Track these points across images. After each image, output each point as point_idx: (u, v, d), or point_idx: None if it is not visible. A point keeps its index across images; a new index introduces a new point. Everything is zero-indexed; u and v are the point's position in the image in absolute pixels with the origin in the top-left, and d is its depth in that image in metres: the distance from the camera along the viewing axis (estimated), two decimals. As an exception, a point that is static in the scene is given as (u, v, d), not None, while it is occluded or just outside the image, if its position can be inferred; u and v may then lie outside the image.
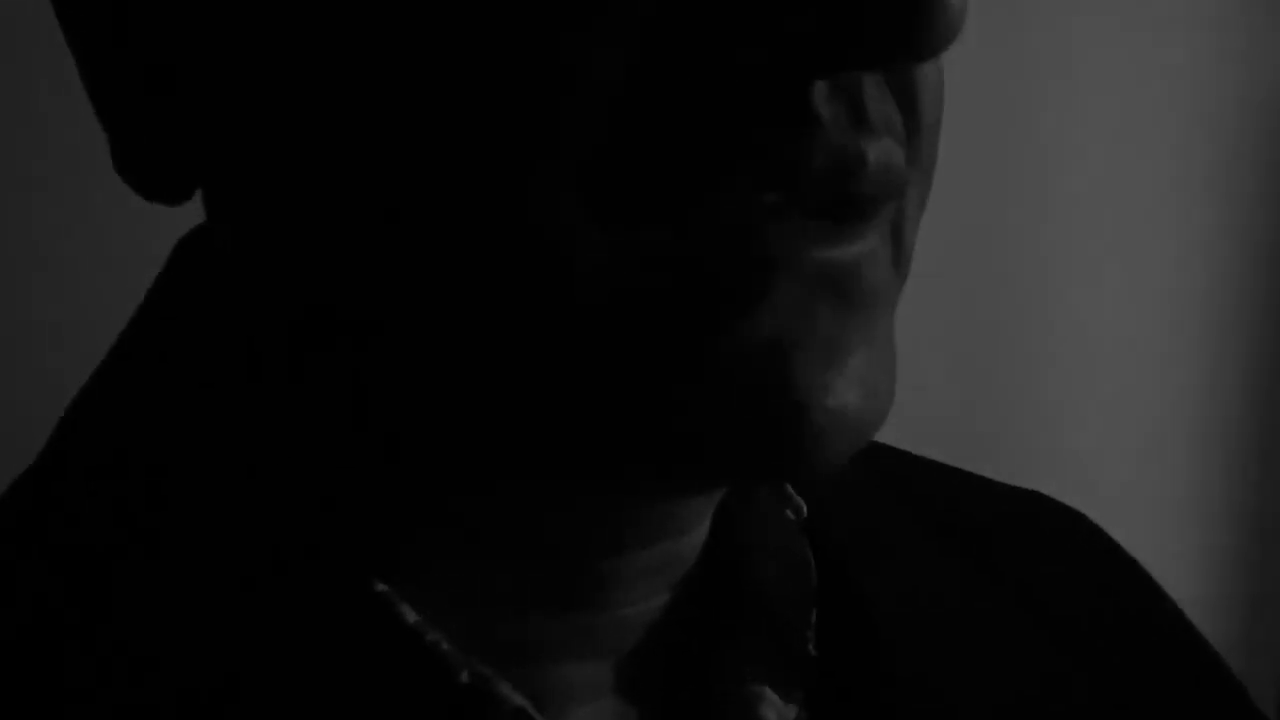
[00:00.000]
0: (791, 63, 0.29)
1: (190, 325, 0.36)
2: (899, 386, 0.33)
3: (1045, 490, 0.50)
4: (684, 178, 0.29)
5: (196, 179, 0.33)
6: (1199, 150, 1.08)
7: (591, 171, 0.29)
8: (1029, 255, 1.09)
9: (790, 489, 0.40)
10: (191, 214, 0.35)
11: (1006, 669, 0.42)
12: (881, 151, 0.31)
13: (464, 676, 0.33)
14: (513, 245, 0.29)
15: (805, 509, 0.40)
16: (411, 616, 0.33)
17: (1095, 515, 0.49)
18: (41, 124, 0.50)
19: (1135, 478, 1.14)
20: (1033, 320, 1.10)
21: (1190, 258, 1.09)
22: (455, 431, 0.32)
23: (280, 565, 0.33)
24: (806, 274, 0.30)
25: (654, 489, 0.34)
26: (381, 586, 0.33)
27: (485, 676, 0.33)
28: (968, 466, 0.49)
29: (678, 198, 0.29)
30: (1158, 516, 1.16)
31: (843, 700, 0.39)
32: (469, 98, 0.28)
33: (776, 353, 0.30)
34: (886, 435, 0.34)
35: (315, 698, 0.32)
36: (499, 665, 0.34)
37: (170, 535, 0.33)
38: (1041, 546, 0.46)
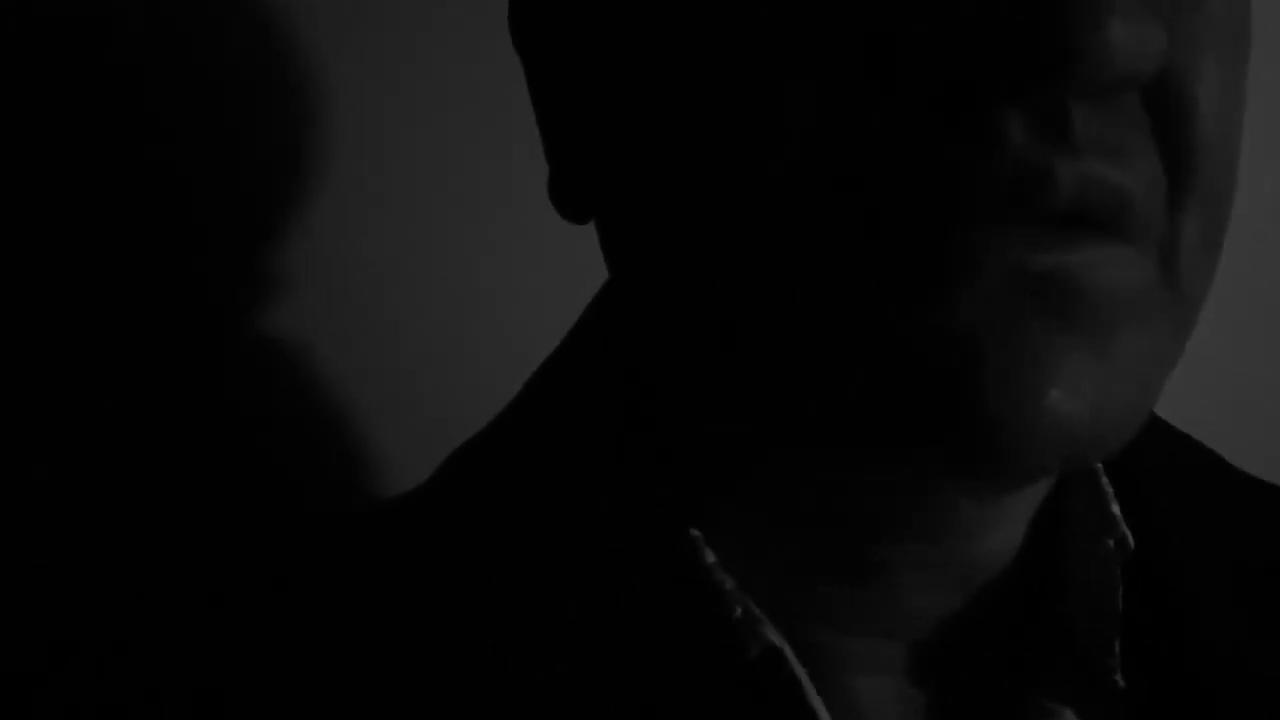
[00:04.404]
0: (979, 89, 0.31)
1: (597, 326, 0.43)
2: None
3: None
4: (885, 183, 0.31)
5: (589, 207, 0.40)
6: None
7: (801, 178, 0.32)
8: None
9: (1119, 517, 0.41)
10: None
11: None
12: (1079, 170, 0.31)
13: (737, 612, 0.37)
14: (753, 235, 0.33)
15: (1132, 541, 0.41)
16: (710, 558, 0.38)
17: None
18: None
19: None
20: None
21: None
22: (733, 398, 0.36)
23: (630, 511, 0.39)
24: (1008, 273, 0.31)
25: (901, 471, 0.35)
26: (695, 532, 0.38)
27: (754, 616, 0.37)
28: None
29: (880, 198, 0.32)
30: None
31: None
32: (722, 134, 0.33)
33: (967, 344, 0.31)
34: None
35: (618, 612, 0.37)
36: (787, 621, 0.38)
37: (563, 490, 0.40)
38: None
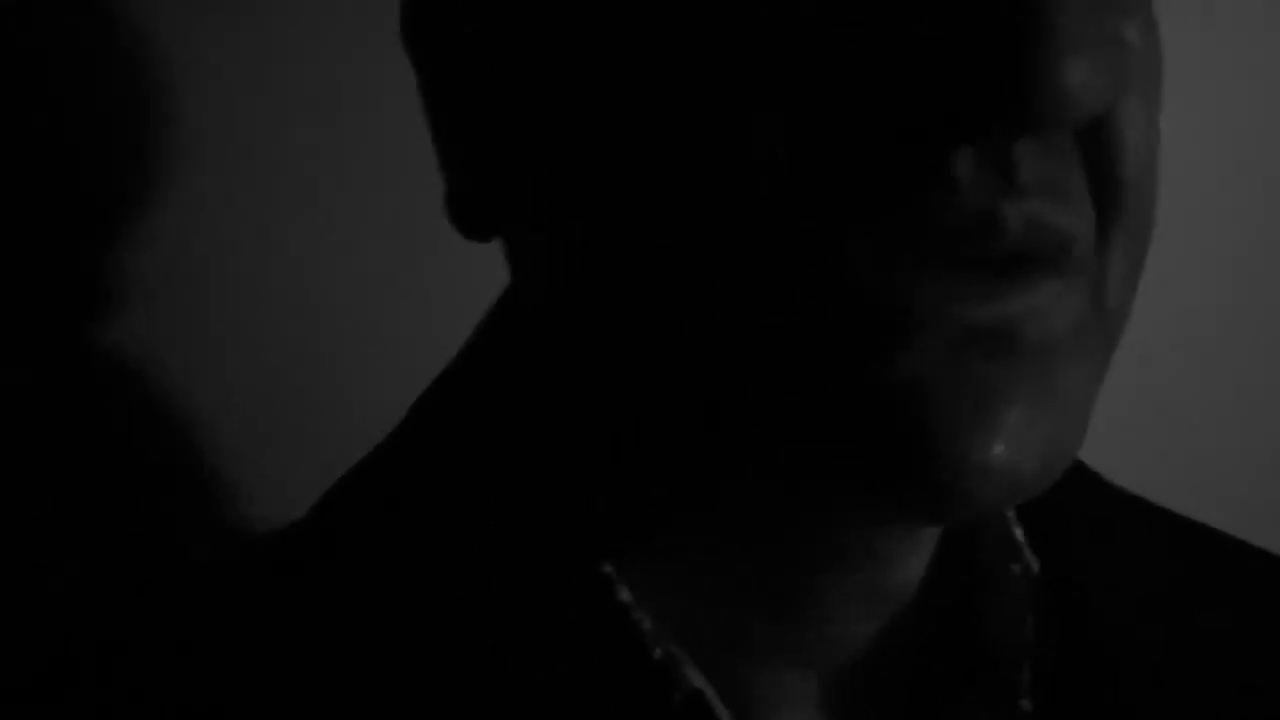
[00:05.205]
0: (931, 129, 0.31)
1: (495, 355, 0.41)
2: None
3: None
4: (827, 228, 0.31)
5: (495, 224, 0.38)
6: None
7: (756, 218, 0.32)
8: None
9: (1024, 544, 0.41)
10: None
11: None
12: (1024, 213, 0.31)
13: (657, 654, 0.37)
14: (697, 272, 0.33)
15: (1036, 566, 0.41)
16: (625, 596, 0.37)
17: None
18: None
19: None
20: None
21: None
22: (666, 430, 0.36)
23: (533, 548, 0.38)
24: (952, 327, 0.31)
25: (840, 510, 0.35)
26: (608, 569, 0.37)
27: (675, 657, 0.37)
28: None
29: (821, 244, 0.31)
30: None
31: None
32: (669, 169, 0.33)
33: (914, 399, 0.31)
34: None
35: (531, 657, 0.36)
36: (698, 653, 0.37)
37: (464, 524, 0.38)
38: None
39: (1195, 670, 0.43)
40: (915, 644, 0.41)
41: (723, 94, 0.31)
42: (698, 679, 0.37)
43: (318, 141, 0.59)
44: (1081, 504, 0.45)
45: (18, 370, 0.54)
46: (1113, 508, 0.47)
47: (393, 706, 0.36)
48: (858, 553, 0.38)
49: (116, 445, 0.56)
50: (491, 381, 0.40)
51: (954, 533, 0.41)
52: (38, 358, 0.55)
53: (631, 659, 0.36)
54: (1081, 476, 0.47)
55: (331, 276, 0.60)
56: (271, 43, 0.58)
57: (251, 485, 0.58)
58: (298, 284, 0.59)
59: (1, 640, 0.49)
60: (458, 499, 0.38)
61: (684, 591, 0.38)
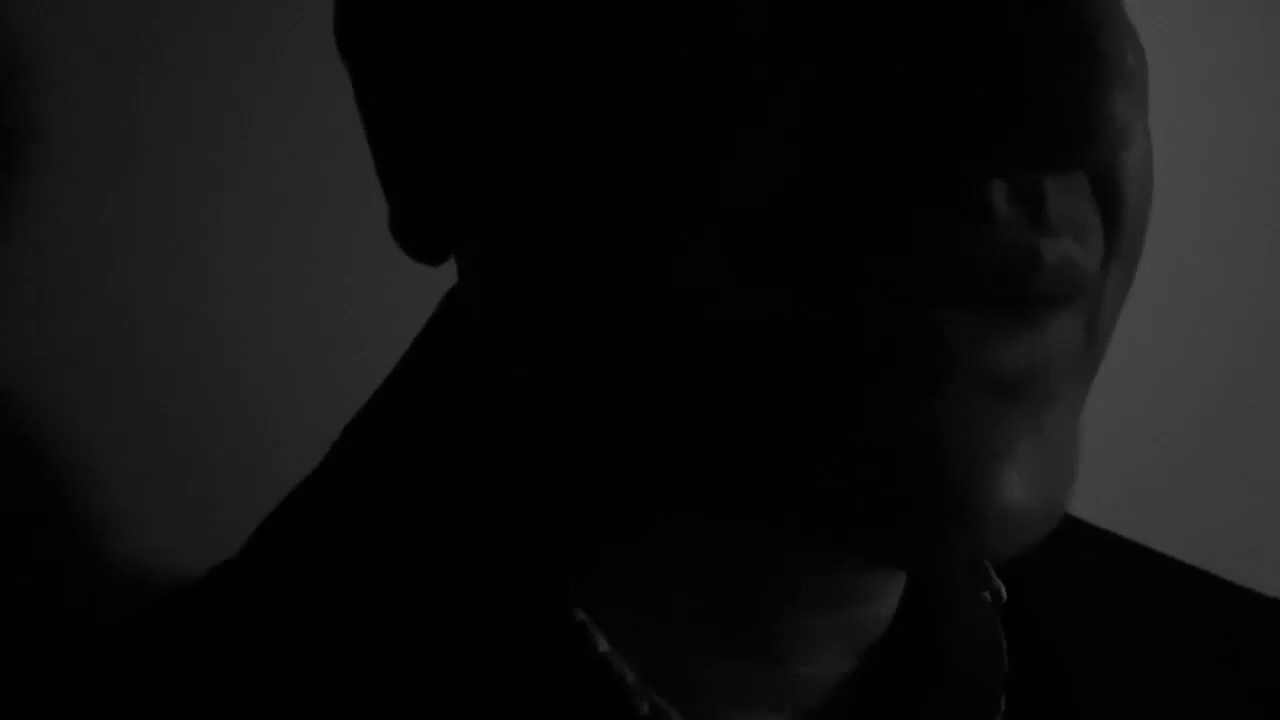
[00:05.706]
0: (967, 158, 0.29)
1: (441, 372, 0.39)
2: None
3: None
4: (845, 253, 0.30)
5: (448, 247, 0.37)
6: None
7: (745, 233, 0.30)
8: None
9: (991, 570, 0.41)
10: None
11: None
12: (1059, 251, 0.30)
13: (644, 709, 0.35)
14: (657, 293, 0.31)
15: (1005, 593, 0.41)
16: (603, 646, 0.36)
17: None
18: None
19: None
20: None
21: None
22: (630, 466, 0.34)
23: (497, 589, 0.36)
24: (974, 374, 0.30)
25: (819, 548, 0.34)
26: (581, 616, 0.36)
27: (663, 710, 0.35)
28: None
29: (834, 270, 0.30)
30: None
31: None
32: (644, 156, 0.30)
33: (933, 445, 0.30)
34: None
35: (506, 713, 0.35)
36: (680, 702, 0.36)
37: (411, 555, 0.37)
38: None
39: (1155, 696, 0.43)
40: (892, 677, 0.40)
41: (719, 102, 0.29)
42: None
43: (226, 142, 0.56)
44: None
45: None
46: (1073, 538, 0.46)
47: None
48: (839, 592, 0.37)
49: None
50: (442, 399, 0.39)
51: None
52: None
53: (617, 715, 0.35)
54: None
55: (235, 286, 0.57)
56: (175, 35, 0.55)
57: (139, 519, 0.55)
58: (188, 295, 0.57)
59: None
60: (406, 530, 0.37)
61: (657, 629, 0.36)
